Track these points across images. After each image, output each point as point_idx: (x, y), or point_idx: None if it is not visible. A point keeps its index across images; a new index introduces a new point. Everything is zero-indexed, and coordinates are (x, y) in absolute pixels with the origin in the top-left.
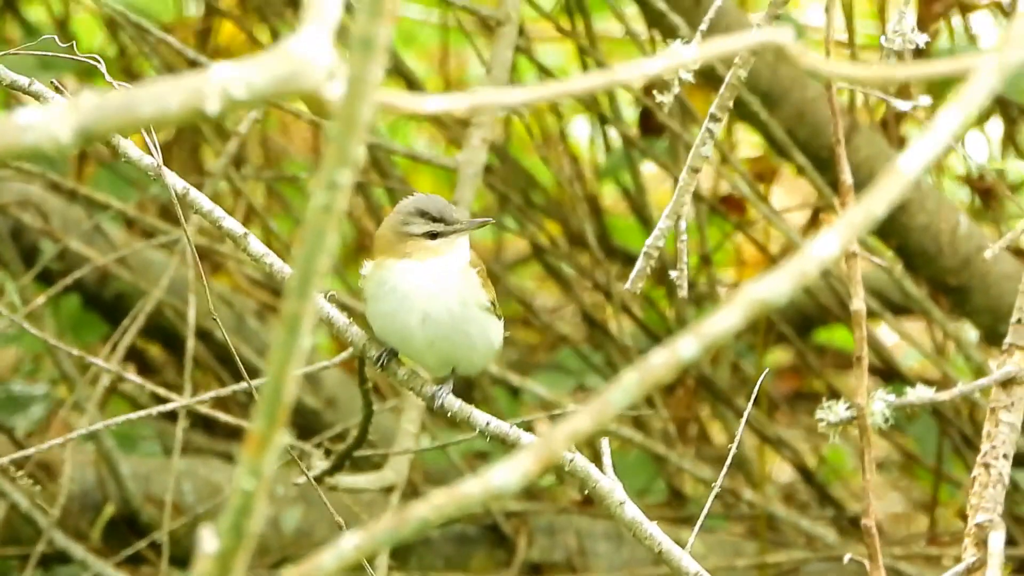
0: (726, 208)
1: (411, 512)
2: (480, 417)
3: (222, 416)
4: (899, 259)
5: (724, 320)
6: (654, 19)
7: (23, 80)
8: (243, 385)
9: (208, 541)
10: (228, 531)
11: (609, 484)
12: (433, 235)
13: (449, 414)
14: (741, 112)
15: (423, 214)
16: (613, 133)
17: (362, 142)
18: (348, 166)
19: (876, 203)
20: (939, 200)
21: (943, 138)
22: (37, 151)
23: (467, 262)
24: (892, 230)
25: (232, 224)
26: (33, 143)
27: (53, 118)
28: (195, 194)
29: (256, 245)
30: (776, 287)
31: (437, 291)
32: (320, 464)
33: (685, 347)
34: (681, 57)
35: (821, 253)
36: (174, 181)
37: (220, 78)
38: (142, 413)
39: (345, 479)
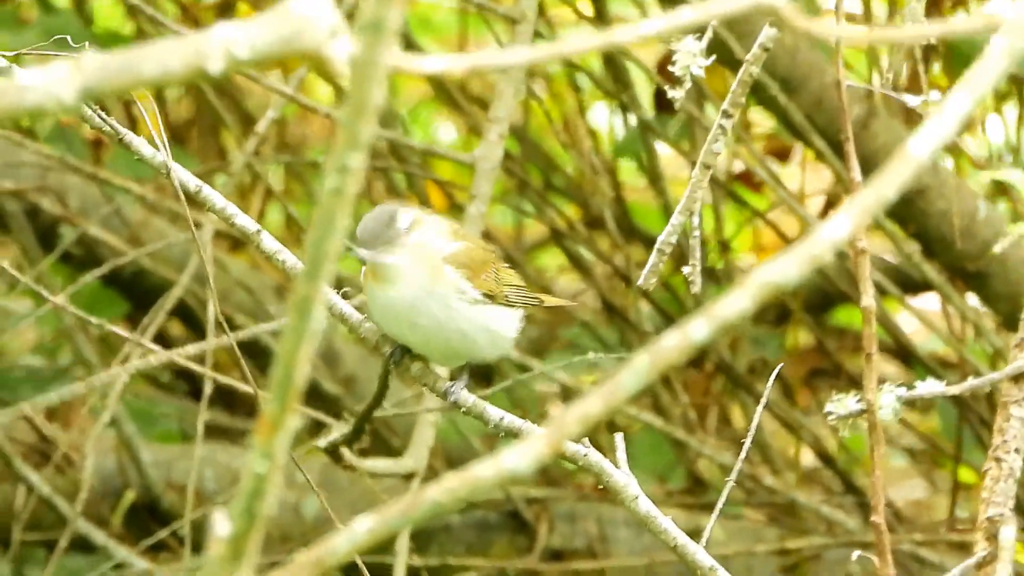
0: (742, 184)
1: (424, 495)
2: (493, 412)
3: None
4: (917, 245)
5: (735, 303)
6: (671, 3)
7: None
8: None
9: (221, 524)
10: (241, 514)
11: (623, 478)
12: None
13: (463, 409)
14: (760, 97)
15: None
16: (632, 119)
17: (373, 126)
18: (359, 150)
19: (886, 186)
20: (958, 185)
21: (954, 120)
22: (40, 111)
23: (439, 259)
24: (910, 215)
25: (245, 221)
26: (36, 103)
27: (56, 79)
28: (208, 191)
29: (269, 242)
30: (786, 270)
31: (412, 303)
32: (337, 431)
33: (696, 330)
34: (681, 18)
35: (832, 235)
36: (186, 179)
37: (222, 38)
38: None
39: (365, 462)
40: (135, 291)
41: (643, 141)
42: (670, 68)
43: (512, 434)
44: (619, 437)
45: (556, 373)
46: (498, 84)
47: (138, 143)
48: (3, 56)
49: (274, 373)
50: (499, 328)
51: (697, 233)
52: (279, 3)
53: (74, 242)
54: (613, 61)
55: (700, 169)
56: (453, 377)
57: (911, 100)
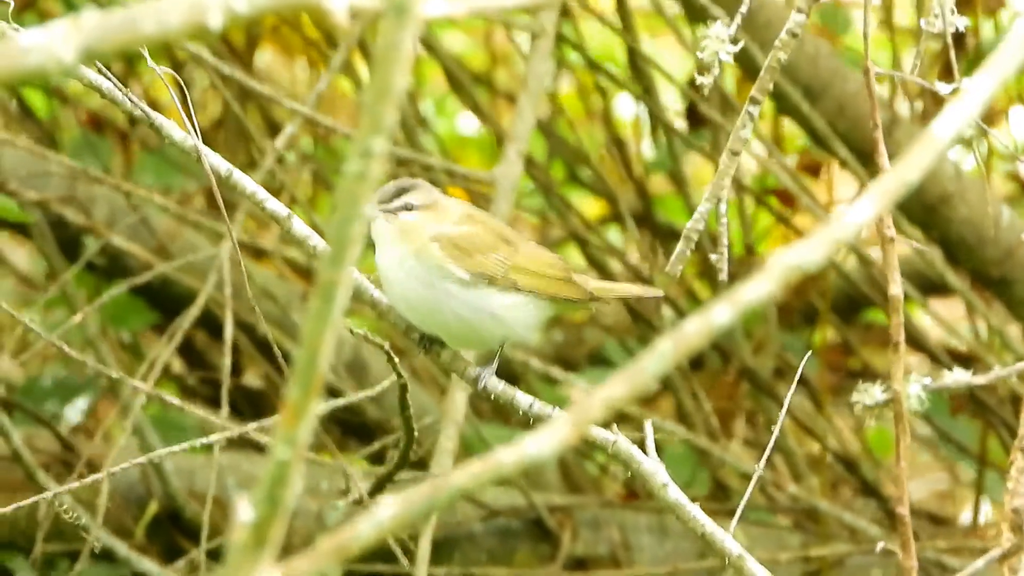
0: (780, 202)
1: (447, 480)
2: (523, 399)
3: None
4: (941, 250)
5: (757, 288)
6: (696, 15)
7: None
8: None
9: (243, 510)
10: (263, 500)
11: (652, 466)
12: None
13: (492, 396)
14: (783, 105)
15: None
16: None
17: (396, 110)
18: (382, 134)
19: (910, 169)
20: (981, 191)
21: (977, 103)
22: (41, 72)
23: (427, 237)
24: (934, 221)
25: (276, 205)
26: (37, 64)
27: (55, 39)
28: (238, 175)
29: (300, 226)
30: (809, 253)
31: (388, 272)
32: (360, 485)
33: (719, 314)
34: None
35: (855, 219)
36: (217, 162)
37: None
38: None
39: (386, 499)
40: (163, 300)
41: (671, 151)
42: (698, 54)
43: (541, 421)
44: (648, 424)
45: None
46: (519, 101)
47: (169, 126)
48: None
49: (297, 358)
50: (507, 314)
51: (725, 220)
52: None
53: (99, 252)
54: (639, 70)
55: (728, 155)
56: (482, 366)
57: (942, 88)
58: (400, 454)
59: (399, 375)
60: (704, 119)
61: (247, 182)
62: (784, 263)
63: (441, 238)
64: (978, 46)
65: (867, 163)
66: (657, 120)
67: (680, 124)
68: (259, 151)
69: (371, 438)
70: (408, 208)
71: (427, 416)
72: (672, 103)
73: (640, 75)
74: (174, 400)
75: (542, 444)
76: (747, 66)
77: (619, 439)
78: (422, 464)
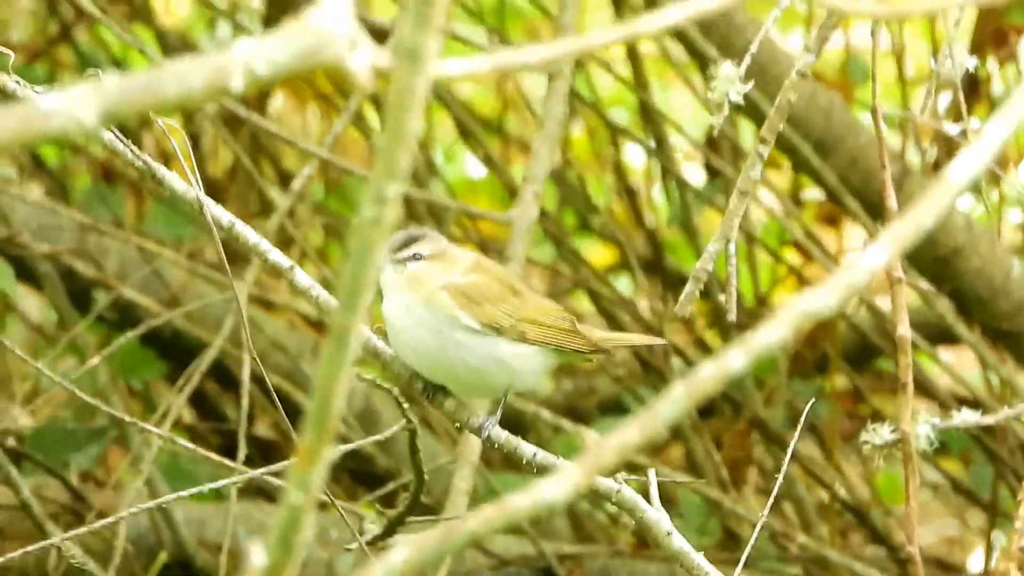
0: (798, 251)
1: (460, 525)
2: (527, 448)
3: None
4: (952, 303)
5: (771, 333)
6: (705, 65)
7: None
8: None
9: (256, 555)
10: (276, 545)
11: (656, 514)
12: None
13: (496, 445)
14: (795, 160)
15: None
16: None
17: (410, 155)
18: (396, 179)
19: (923, 215)
20: (992, 244)
21: (990, 150)
22: (63, 136)
23: (437, 286)
24: (946, 274)
25: (279, 257)
26: (59, 128)
27: (77, 102)
28: (241, 227)
29: (302, 277)
30: (823, 300)
31: (396, 319)
32: (372, 527)
33: (733, 360)
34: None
35: (868, 265)
36: (219, 214)
37: (242, 55)
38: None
39: (399, 540)
40: (173, 351)
41: (683, 203)
42: (708, 94)
43: (546, 470)
44: (652, 473)
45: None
46: (534, 142)
47: (171, 178)
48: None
49: (311, 403)
50: (515, 363)
51: (733, 260)
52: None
53: (110, 305)
54: (651, 120)
55: (737, 196)
56: (487, 415)
57: (951, 128)
58: (411, 497)
59: (408, 420)
60: (718, 171)
61: (250, 234)
62: (798, 309)
63: (450, 287)
64: (990, 96)
65: (879, 217)
66: (668, 172)
67: (691, 174)
68: (269, 201)
69: (381, 487)
70: (417, 258)
71: (437, 461)
72: (683, 149)
73: (651, 125)
74: (187, 444)
75: (555, 490)
76: (757, 117)
77: (623, 488)
78: (434, 510)
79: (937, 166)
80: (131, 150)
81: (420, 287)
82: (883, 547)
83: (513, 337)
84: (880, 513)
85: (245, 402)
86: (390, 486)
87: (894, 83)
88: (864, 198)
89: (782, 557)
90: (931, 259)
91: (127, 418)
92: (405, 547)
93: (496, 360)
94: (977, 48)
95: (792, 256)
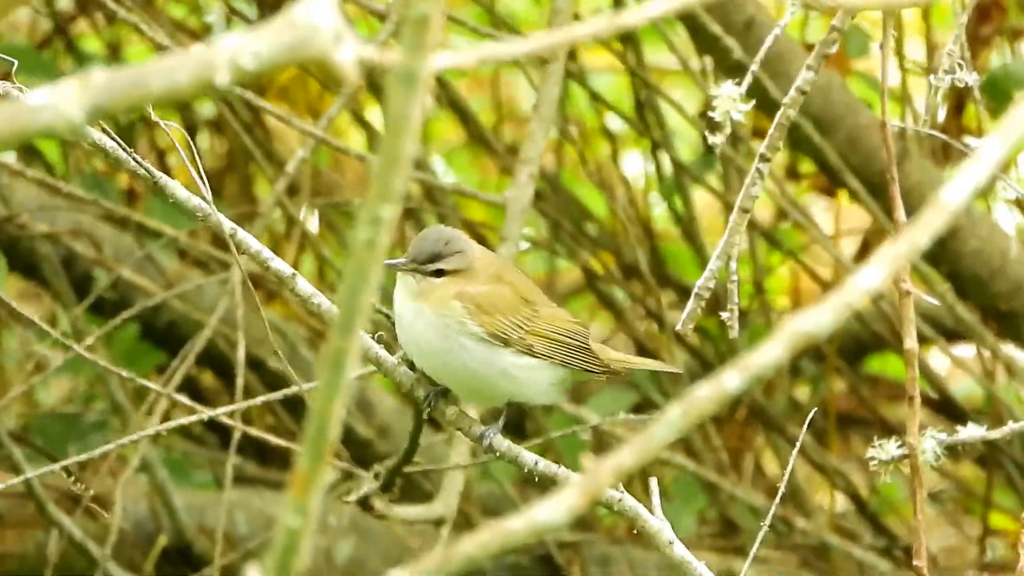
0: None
1: (457, 549)
2: (528, 457)
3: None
4: (950, 285)
5: (768, 353)
6: (706, 44)
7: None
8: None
9: None
10: (275, 569)
11: (658, 524)
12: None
13: (498, 454)
14: (794, 137)
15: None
16: (665, 160)
17: (405, 177)
18: (392, 201)
19: (920, 234)
20: (990, 226)
21: (987, 168)
22: (49, 131)
23: (450, 295)
24: (943, 256)
25: (280, 265)
26: (45, 124)
27: (64, 97)
28: (243, 235)
29: (304, 285)
30: (820, 320)
31: (419, 326)
32: (368, 484)
33: (729, 381)
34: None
35: (865, 284)
36: (223, 221)
37: (228, 49)
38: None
39: (396, 509)
40: (170, 341)
41: (678, 184)
42: (710, 114)
43: (547, 479)
44: (653, 483)
45: (590, 418)
46: (530, 125)
47: (173, 186)
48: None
49: (307, 428)
50: (519, 375)
51: (735, 278)
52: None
53: (109, 289)
54: (647, 105)
55: (738, 214)
56: (486, 422)
57: (960, 145)
58: (407, 447)
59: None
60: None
61: (252, 241)
62: (795, 329)
63: (463, 295)
64: (994, 80)
65: (878, 196)
66: (662, 149)
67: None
68: (268, 190)
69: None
70: (439, 274)
71: (436, 449)
72: (681, 140)
73: (648, 112)
74: (184, 420)
75: (552, 512)
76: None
77: (625, 497)
78: (430, 495)
79: (935, 153)
80: (134, 158)
81: (433, 297)
82: (883, 537)
83: (519, 349)
84: (877, 501)
85: (240, 382)
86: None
87: (895, 68)
88: (864, 177)
89: (780, 544)
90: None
91: (125, 403)
92: (401, 570)
93: (499, 370)
94: (971, 34)
95: (790, 239)
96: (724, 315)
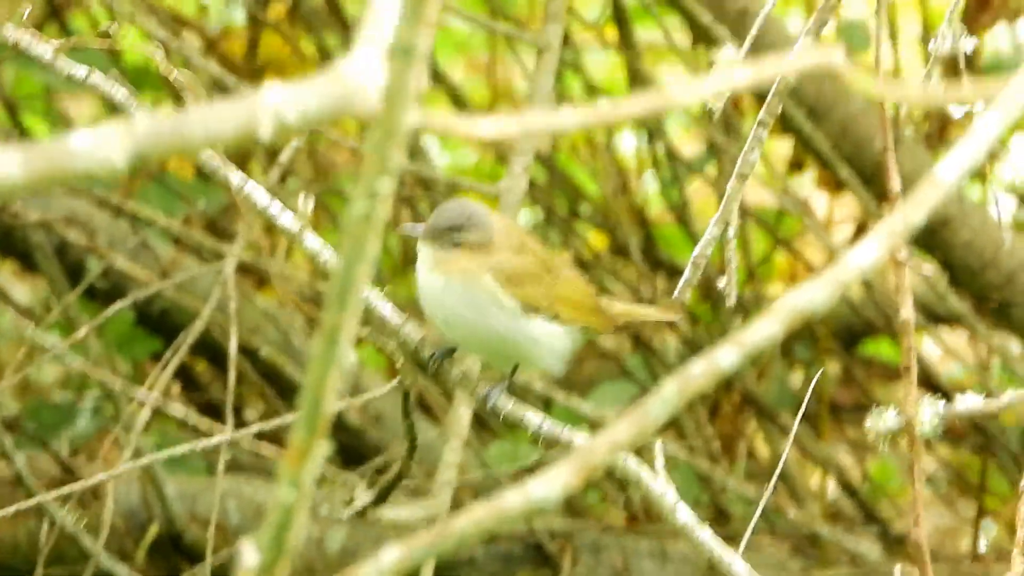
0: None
1: (451, 526)
2: (533, 419)
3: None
4: (943, 274)
5: (763, 330)
6: (699, 32)
7: (80, 71)
8: (287, 419)
9: (248, 554)
10: (268, 544)
11: (662, 487)
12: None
13: (501, 416)
14: (786, 125)
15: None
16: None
17: (402, 151)
18: (388, 175)
19: (914, 211)
20: (983, 216)
21: (981, 146)
22: (90, 175)
23: (484, 266)
24: (936, 245)
25: (288, 220)
26: (86, 167)
27: (106, 142)
28: (251, 187)
29: (312, 241)
30: (815, 296)
31: (442, 297)
32: (363, 496)
33: (724, 357)
34: (733, 77)
35: (860, 261)
36: (232, 176)
37: (272, 102)
38: (185, 448)
39: (387, 512)
40: (165, 328)
41: (673, 174)
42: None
43: (552, 442)
44: (658, 445)
45: (583, 408)
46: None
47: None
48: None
49: (302, 401)
50: (546, 341)
51: (733, 244)
52: (307, 47)
53: (102, 277)
54: (640, 81)
55: (736, 179)
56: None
57: (955, 109)
58: (403, 461)
59: (402, 380)
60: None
61: (260, 195)
62: (790, 306)
63: (495, 269)
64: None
65: (869, 184)
66: (658, 140)
67: (686, 150)
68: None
69: (372, 461)
70: (456, 244)
71: (429, 444)
72: (676, 130)
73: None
74: (176, 412)
75: (547, 488)
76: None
77: (628, 460)
78: (423, 487)
79: (929, 136)
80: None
81: (460, 268)
82: (875, 525)
83: (549, 317)
84: (871, 490)
85: (232, 375)
86: (379, 462)
87: (889, 53)
88: (856, 166)
89: (772, 532)
90: (921, 230)
91: (118, 386)
92: (395, 548)
93: (531, 339)
94: (970, 21)
95: (785, 228)
96: (721, 283)
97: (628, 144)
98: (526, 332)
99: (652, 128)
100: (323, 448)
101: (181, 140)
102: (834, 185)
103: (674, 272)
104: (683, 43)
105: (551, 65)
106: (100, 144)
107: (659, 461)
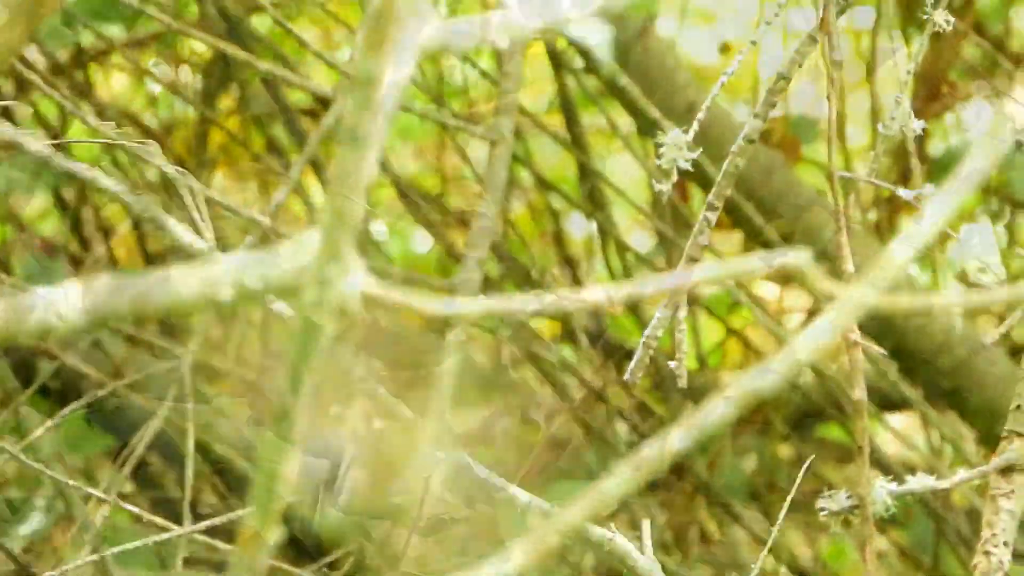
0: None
1: None
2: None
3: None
4: (894, 361)
5: (715, 411)
6: (646, 127)
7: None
8: (240, 513)
9: None
10: None
11: (649, 564)
12: None
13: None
14: (735, 217)
15: None
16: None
17: (354, 234)
18: (339, 260)
19: (868, 291)
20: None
21: (934, 225)
22: (44, 331)
23: None
24: (887, 331)
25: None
26: (40, 323)
27: (65, 299)
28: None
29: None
30: (768, 377)
31: None
32: None
33: (676, 439)
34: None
35: (813, 340)
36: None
37: (234, 268)
38: (139, 543)
39: None
40: (118, 425)
41: (623, 267)
42: (656, 161)
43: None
44: (645, 523)
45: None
46: (477, 215)
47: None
48: None
49: (255, 486)
50: None
51: (683, 327)
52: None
53: (53, 376)
54: (592, 188)
55: (686, 262)
56: None
57: (905, 193)
58: (355, 557)
59: None
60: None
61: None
62: (742, 387)
63: None
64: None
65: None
66: (609, 237)
67: (635, 241)
68: None
69: (327, 556)
70: None
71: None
72: (625, 220)
73: (592, 192)
74: (132, 508)
75: (497, 571)
76: (703, 182)
77: (616, 537)
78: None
79: (879, 226)
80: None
81: None
82: None
83: None
84: (824, 573)
85: (189, 472)
86: (331, 558)
87: (836, 143)
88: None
89: None
90: (872, 317)
91: (71, 483)
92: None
93: None
94: (920, 109)
95: (736, 319)
96: (672, 364)
97: (578, 230)
98: None
99: (600, 219)
100: (276, 534)
101: (141, 303)
102: (788, 278)
103: (626, 357)
104: (629, 129)
105: (504, 158)
106: (58, 300)
107: (647, 538)
